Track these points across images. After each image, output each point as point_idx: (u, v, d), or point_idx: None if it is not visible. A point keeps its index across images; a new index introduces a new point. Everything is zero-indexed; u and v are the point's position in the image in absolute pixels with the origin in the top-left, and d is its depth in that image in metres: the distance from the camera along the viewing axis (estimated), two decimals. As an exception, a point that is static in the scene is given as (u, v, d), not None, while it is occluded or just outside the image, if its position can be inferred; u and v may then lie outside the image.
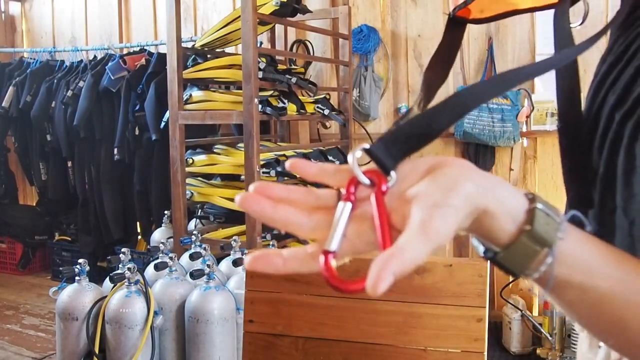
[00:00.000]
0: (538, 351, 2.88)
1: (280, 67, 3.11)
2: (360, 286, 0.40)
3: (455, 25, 0.73)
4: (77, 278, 2.24)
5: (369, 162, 0.45)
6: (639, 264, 0.48)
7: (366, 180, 0.43)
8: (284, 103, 2.91)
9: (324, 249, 0.41)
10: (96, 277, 3.62)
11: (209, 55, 3.09)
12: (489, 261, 0.47)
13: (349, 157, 0.43)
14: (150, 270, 2.43)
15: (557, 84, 0.65)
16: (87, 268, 2.27)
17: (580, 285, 0.46)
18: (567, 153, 0.64)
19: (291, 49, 3.71)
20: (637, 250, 0.54)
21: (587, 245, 0.47)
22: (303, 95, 3.26)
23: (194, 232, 2.66)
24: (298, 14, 3.04)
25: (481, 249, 0.48)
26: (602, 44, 0.67)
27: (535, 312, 3.16)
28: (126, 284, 2.19)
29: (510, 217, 0.44)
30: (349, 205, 0.42)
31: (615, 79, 0.60)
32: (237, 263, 2.44)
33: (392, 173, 0.43)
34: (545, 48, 3.20)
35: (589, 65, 0.69)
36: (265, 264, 0.42)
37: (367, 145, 0.44)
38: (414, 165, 0.45)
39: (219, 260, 2.64)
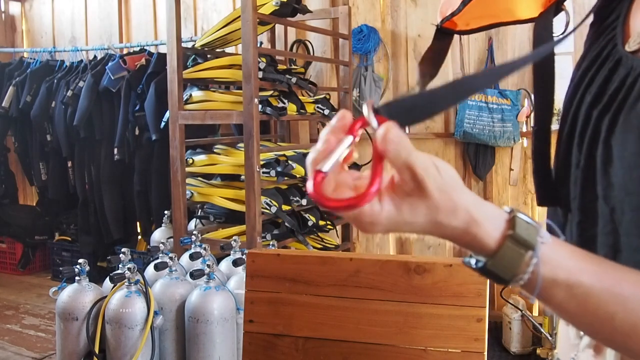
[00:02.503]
0: (538, 351, 2.88)
1: (280, 67, 3.11)
2: (341, 203, 0.45)
3: (443, 35, 0.82)
4: (77, 278, 2.24)
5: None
6: (614, 263, 0.53)
7: (375, 123, 0.47)
8: (284, 103, 2.91)
9: (316, 169, 0.46)
10: (96, 277, 3.62)
11: (209, 55, 3.09)
12: (481, 272, 0.52)
13: (364, 106, 0.49)
14: (150, 270, 2.43)
15: (535, 91, 0.73)
16: (87, 268, 2.26)
17: (566, 282, 0.50)
18: (537, 154, 0.71)
19: (291, 49, 3.71)
20: (621, 234, 0.58)
21: (565, 247, 0.53)
22: (303, 95, 3.26)
23: (194, 232, 2.66)
24: (298, 14, 3.04)
25: (472, 262, 0.53)
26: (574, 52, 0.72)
27: (535, 312, 3.16)
28: (126, 284, 2.18)
29: (494, 225, 0.51)
30: (350, 138, 0.48)
31: (591, 81, 0.65)
32: (237, 263, 2.44)
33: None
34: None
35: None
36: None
37: (375, 104, 0.49)
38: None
39: (219, 260, 2.64)
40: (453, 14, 0.78)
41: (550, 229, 0.53)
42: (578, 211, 0.65)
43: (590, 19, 0.71)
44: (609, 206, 0.59)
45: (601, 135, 0.60)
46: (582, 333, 0.66)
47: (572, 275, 0.50)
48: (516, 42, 3.31)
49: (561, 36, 0.69)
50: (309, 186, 0.46)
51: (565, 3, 0.75)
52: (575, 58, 0.78)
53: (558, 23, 0.74)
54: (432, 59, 0.78)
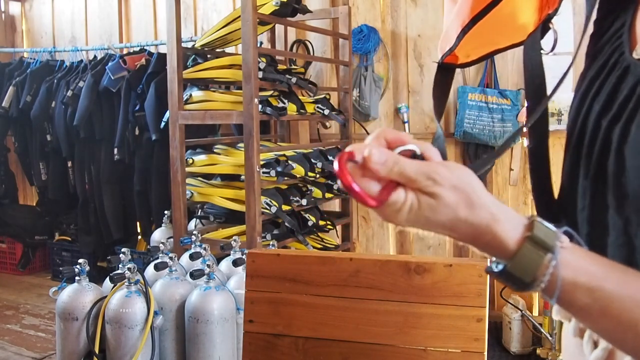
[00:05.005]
0: (538, 351, 2.88)
1: (280, 67, 3.11)
2: (352, 187, 0.50)
3: (445, 70, 0.83)
4: (77, 278, 2.24)
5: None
6: (636, 271, 0.52)
7: (359, 157, 0.52)
8: (284, 103, 2.91)
9: (349, 150, 0.51)
10: (96, 277, 3.63)
11: (209, 55, 3.09)
12: (501, 276, 0.53)
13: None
14: (150, 270, 2.43)
15: (527, 108, 0.75)
16: (87, 268, 2.26)
17: (587, 286, 0.50)
18: (535, 171, 0.72)
19: (291, 49, 3.71)
20: (636, 246, 0.57)
21: (586, 253, 0.52)
22: (303, 95, 3.26)
23: (194, 232, 2.66)
24: (298, 14, 3.04)
25: (494, 267, 0.54)
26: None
27: (535, 312, 3.17)
28: (126, 284, 2.18)
29: (513, 226, 0.51)
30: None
31: (598, 90, 0.64)
32: (237, 263, 2.44)
33: None
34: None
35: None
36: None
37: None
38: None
39: (219, 260, 2.64)
40: (451, 49, 0.79)
41: (570, 237, 0.52)
42: (587, 223, 0.64)
43: (590, 29, 0.70)
44: (622, 217, 0.58)
45: (612, 144, 0.59)
46: (590, 348, 0.64)
47: (594, 280, 0.50)
48: (516, 42, 3.31)
49: (550, 53, 0.71)
50: (335, 164, 0.51)
51: (552, 20, 0.75)
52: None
53: (548, 41, 0.76)
54: (439, 98, 0.82)
